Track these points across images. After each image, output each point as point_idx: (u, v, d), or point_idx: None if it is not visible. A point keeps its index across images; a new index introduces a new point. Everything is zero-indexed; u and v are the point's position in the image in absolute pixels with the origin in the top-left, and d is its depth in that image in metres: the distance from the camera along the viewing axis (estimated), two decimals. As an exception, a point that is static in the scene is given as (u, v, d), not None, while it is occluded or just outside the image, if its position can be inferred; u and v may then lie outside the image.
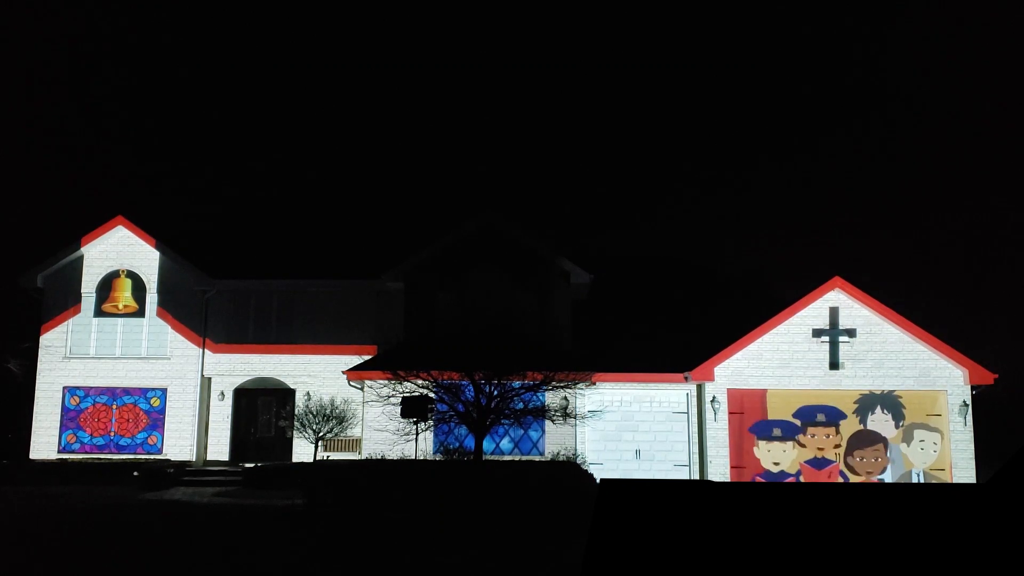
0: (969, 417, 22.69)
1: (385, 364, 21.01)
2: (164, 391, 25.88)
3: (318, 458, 23.26)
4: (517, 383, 19.86)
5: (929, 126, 61.18)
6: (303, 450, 24.87)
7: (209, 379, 26.38)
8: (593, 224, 48.43)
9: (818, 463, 22.69)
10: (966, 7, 64.56)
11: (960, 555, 3.84)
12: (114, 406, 25.81)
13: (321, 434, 23.46)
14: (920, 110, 61.84)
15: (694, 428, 23.61)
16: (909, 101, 62.94)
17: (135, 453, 25.50)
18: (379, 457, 21.33)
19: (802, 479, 22.55)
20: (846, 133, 61.25)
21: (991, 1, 61.93)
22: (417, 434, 20.80)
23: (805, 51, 67.69)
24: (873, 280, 25.48)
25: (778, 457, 22.77)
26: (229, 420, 26.18)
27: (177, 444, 25.54)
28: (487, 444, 21.14)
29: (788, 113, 64.54)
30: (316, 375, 25.95)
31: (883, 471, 22.60)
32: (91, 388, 25.82)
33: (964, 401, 22.73)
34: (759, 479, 22.49)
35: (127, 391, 25.88)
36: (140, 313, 26.24)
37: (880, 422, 22.84)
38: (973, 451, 22.50)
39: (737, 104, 65.36)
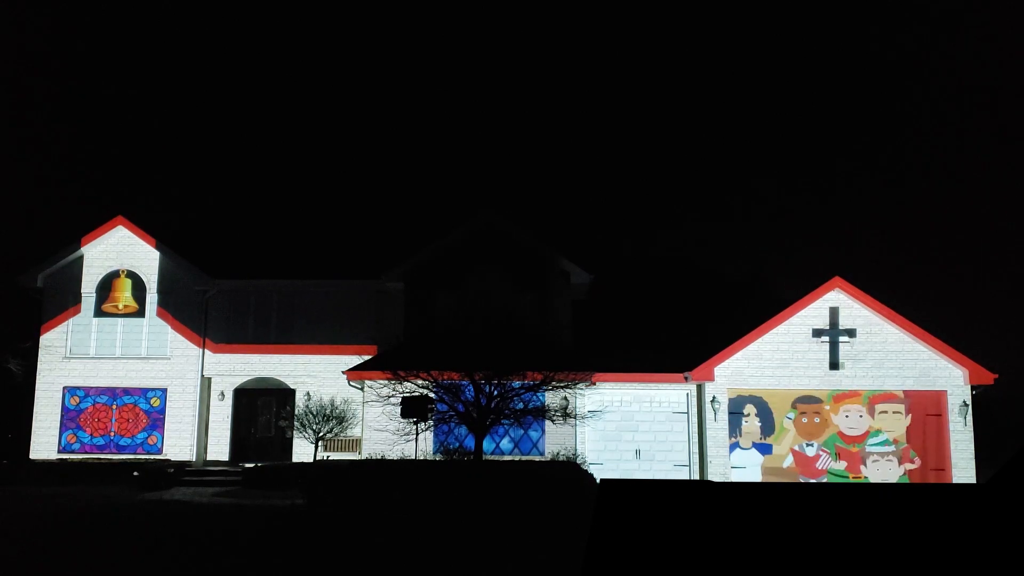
0: (969, 417, 22.68)
1: (385, 364, 20.98)
2: (164, 391, 25.87)
3: (318, 458, 23.26)
4: (517, 383, 19.82)
5: (929, 126, 61.17)
6: (303, 450, 24.87)
7: (209, 379, 26.37)
8: (593, 224, 48.43)
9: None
10: (964, 9, 64.56)
11: (960, 555, 3.84)
12: (114, 406, 25.80)
13: (321, 434, 23.46)
14: (921, 110, 61.84)
15: (694, 428, 23.61)
16: (910, 102, 62.94)
17: (135, 453, 25.49)
18: (379, 457, 21.30)
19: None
20: (846, 134, 61.27)
21: (988, 4, 61.92)
22: (417, 434, 20.77)
23: (805, 52, 67.70)
24: (873, 280, 25.51)
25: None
26: (229, 420, 26.18)
27: (177, 444, 25.54)
28: (487, 444, 21.12)
29: (788, 114, 64.55)
30: (316, 375, 25.94)
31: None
32: (91, 388, 25.81)
33: (964, 401, 22.72)
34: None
35: (127, 391, 25.87)
36: (140, 313, 26.23)
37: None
38: (973, 451, 22.49)
39: (737, 104, 65.37)
